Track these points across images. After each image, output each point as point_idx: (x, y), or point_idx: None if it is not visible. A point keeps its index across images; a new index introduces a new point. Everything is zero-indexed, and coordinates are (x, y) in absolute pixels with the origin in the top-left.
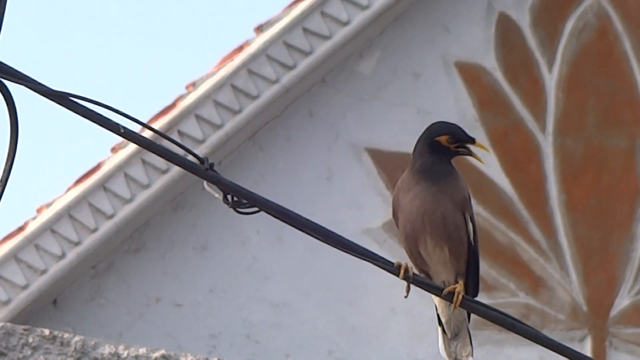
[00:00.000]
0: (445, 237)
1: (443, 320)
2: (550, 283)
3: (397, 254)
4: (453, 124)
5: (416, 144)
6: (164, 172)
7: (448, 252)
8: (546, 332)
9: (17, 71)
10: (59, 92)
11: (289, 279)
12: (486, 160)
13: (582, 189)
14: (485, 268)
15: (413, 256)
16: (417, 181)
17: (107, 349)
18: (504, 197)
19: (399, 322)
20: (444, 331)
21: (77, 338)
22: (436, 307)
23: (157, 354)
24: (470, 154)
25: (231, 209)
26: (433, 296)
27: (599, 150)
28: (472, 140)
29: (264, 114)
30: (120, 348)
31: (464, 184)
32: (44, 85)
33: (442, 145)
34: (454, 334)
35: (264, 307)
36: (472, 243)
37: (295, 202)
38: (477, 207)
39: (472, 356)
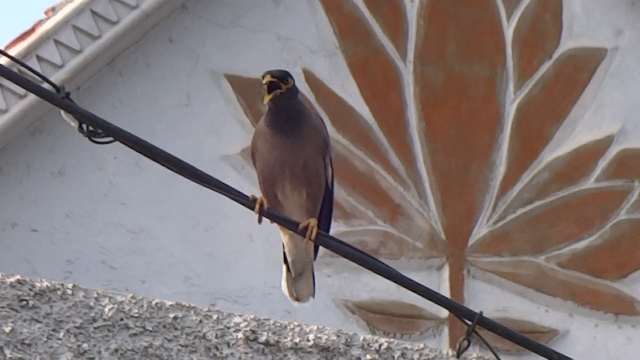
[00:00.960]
0: (305, 183)
1: (289, 259)
2: (408, 211)
3: (255, 181)
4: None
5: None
6: (22, 97)
7: (306, 196)
8: (404, 260)
9: None
10: None
11: (146, 205)
12: (346, 88)
13: (442, 117)
14: (344, 195)
15: (268, 197)
16: (272, 134)
17: None
18: (363, 125)
19: (256, 249)
20: (288, 270)
21: None
22: (283, 246)
23: (12, 279)
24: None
25: (86, 138)
26: (282, 234)
27: (459, 78)
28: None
29: (123, 40)
30: None
31: (320, 122)
32: None
33: (266, 89)
34: (298, 274)
35: (120, 233)
36: (330, 186)
37: (154, 129)
38: (336, 135)
39: (314, 297)
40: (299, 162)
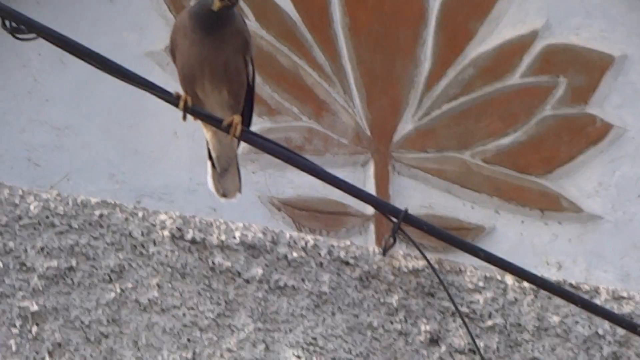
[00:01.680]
0: (226, 81)
1: (214, 155)
2: (333, 107)
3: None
4: None
5: None
6: None
7: (227, 94)
8: (329, 156)
9: None
10: None
11: (70, 101)
12: None
13: (366, 13)
14: (269, 92)
15: (189, 93)
16: (192, 29)
17: None
18: (287, 20)
19: (181, 145)
20: (213, 166)
21: None
22: (207, 142)
23: None
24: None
25: (9, 35)
26: (205, 131)
27: None
28: None
29: None
30: None
31: (243, 23)
32: None
33: None
34: (224, 170)
35: (44, 130)
36: (251, 84)
37: (77, 26)
38: (260, 31)
39: (240, 192)
40: (218, 61)
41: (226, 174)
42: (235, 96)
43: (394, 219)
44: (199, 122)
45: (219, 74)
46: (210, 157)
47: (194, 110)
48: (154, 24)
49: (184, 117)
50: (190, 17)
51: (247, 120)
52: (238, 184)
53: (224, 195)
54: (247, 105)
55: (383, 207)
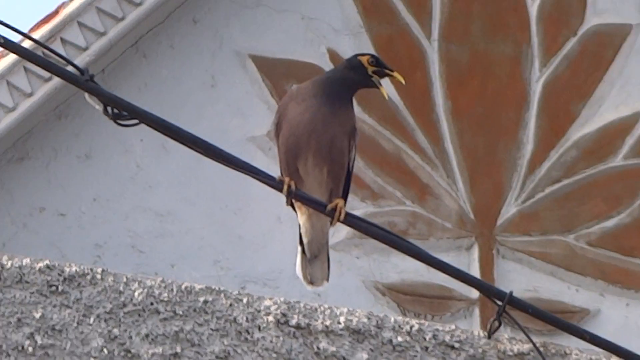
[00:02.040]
0: (329, 159)
1: (305, 240)
2: (437, 191)
3: None
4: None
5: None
6: (47, 80)
7: (327, 174)
8: (433, 240)
9: None
10: None
11: (173, 187)
12: None
13: (468, 96)
14: (371, 176)
15: (289, 170)
16: (314, 94)
17: None
18: (389, 105)
19: (284, 231)
20: (303, 252)
21: None
22: (300, 226)
23: (41, 264)
24: (379, 84)
25: (112, 121)
26: (299, 214)
27: (484, 56)
28: (391, 70)
29: (147, 21)
30: (4, 258)
31: (354, 115)
32: None
33: (361, 64)
34: (314, 256)
35: (148, 217)
36: (350, 169)
37: (179, 111)
38: (362, 115)
39: (328, 280)
40: (326, 136)
41: (316, 260)
42: (335, 178)
43: (499, 302)
44: None
45: (324, 149)
46: (301, 242)
47: (297, 194)
48: (256, 109)
49: (288, 202)
50: (315, 83)
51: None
52: (327, 272)
53: (311, 282)
54: (345, 191)
55: (488, 290)
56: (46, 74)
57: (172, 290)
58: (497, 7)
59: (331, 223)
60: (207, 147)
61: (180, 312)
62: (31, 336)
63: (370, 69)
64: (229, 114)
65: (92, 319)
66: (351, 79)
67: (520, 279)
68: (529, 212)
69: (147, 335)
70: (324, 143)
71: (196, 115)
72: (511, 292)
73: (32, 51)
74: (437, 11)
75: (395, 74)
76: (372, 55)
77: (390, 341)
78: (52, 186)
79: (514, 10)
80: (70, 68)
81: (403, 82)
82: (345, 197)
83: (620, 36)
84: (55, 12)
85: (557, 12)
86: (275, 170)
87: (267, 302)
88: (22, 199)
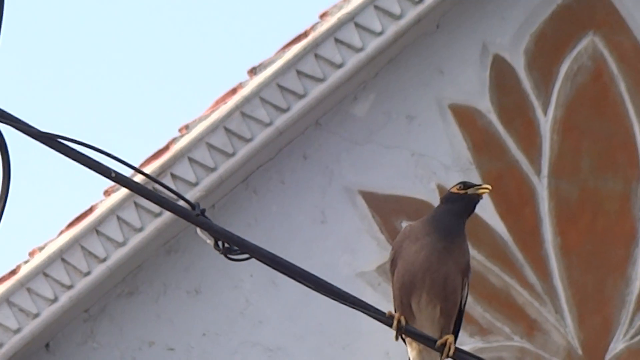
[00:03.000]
0: (442, 297)
1: None
2: (545, 326)
3: (392, 298)
4: None
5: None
6: (157, 215)
7: (439, 312)
8: None
9: (6, 112)
10: (47, 134)
11: (283, 323)
12: (481, 204)
13: (577, 233)
14: (480, 311)
15: (402, 306)
16: (427, 232)
17: None
18: (498, 240)
19: None
20: None
21: None
22: None
23: None
24: (477, 192)
25: (222, 255)
26: (409, 350)
27: (594, 193)
28: (480, 185)
29: (257, 157)
30: None
31: (468, 248)
32: (32, 127)
33: (455, 194)
34: None
35: (257, 352)
36: (462, 307)
37: (289, 246)
38: (472, 251)
39: None
40: (441, 273)
41: None
42: (447, 315)
43: None
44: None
45: (438, 287)
46: None
47: (407, 329)
48: (366, 245)
49: (397, 337)
50: (426, 222)
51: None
52: None
53: None
54: (455, 328)
55: None
56: (156, 209)
57: None
58: (606, 143)
59: (441, 358)
60: (316, 282)
61: None
62: None
63: (463, 193)
64: (338, 250)
65: None
66: (456, 209)
67: None
68: (638, 348)
69: None
70: (439, 281)
71: (305, 251)
72: None
73: (144, 185)
74: (546, 148)
75: (484, 185)
76: (458, 183)
77: None
78: (162, 320)
79: (624, 146)
80: (181, 203)
81: (489, 188)
82: (456, 334)
83: None
84: (166, 148)
85: None
86: (384, 306)
87: None
88: (131, 333)
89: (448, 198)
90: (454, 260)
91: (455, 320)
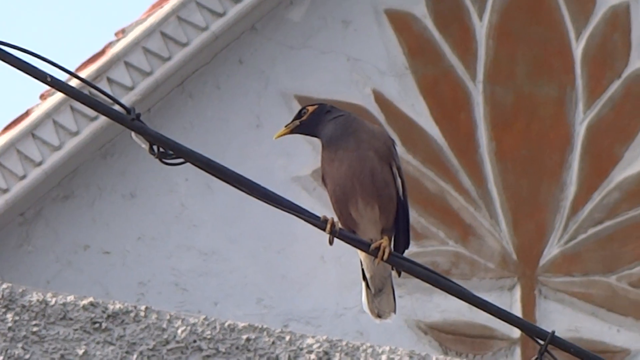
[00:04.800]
0: (376, 195)
1: (367, 275)
2: (479, 231)
3: (327, 202)
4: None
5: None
6: (93, 119)
7: (378, 210)
8: (476, 280)
9: None
10: None
11: (217, 226)
12: (416, 109)
13: (512, 138)
14: (415, 216)
15: (343, 217)
16: (333, 150)
17: (34, 297)
18: (433, 145)
19: (328, 270)
20: (367, 286)
21: (4, 285)
22: (361, 262)
23: (85, 302)
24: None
25: (157, 160)
26: (359, 252)
27: (529, 99)
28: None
29: (193, 62)
30: (48, 295)
31: (381, 130)
32: None
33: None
34: (378, 290)
35: (192, 255)
36: (402, 197)
37: (224, 150)
38: (406, 156)
39: (395, 312)
40: (365, 171)
41: (381, 294)
42: (386, 212)
43: (541, 341)
44: (346, 246)
45: (368, 186)
46: (365, 278)
47: (341, 233)
48: (301, 149)
49: (331, 241)
50: (326, 142)
51: (404, 239)
52: (393, 305)
53: (379, 315)
54: (402, 223)
55: (530, 330)
56: (92, 113)
57: (214, 328)
58: (542, 49)
59: (375, 262)
60: (252, 187)
61: (223, 350)
62: None
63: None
64: (273, 155)
65: (135, 356)
66: (336, 119)
67: (562, 319)
68: (572, 253)
69: None
70: (367, 181)
71: (241, 155)
72: (553, 332)
73: (79, 90)
74: (482, 53)
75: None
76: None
77: None
78: (97, 224)
79: (559, 52)
80: (117, 107)
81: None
82: (406, 228)
83: None
84: (102, 52)
85: (602, 55)
86: (319, 211)
87: (310, 341)
88: (66, 236)
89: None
90: (370, 149)
91: (401, 216)
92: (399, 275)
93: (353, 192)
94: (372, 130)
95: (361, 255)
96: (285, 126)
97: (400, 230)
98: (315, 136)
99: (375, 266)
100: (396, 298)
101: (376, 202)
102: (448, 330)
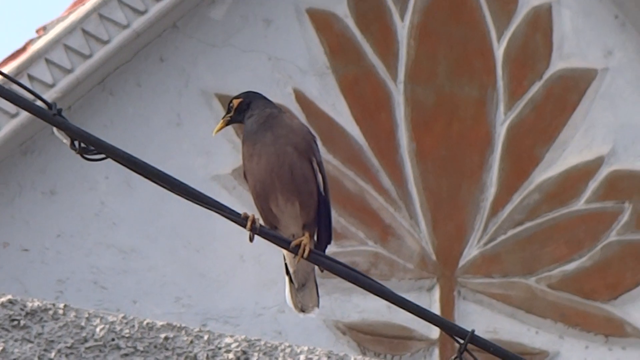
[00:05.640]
0: (296, 191)
1: (290, 270)
2: (399, 232)
3: (247, 201)
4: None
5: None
6: (13, 116)
7: (299, 206)
8: (394, 281)
9: None
10: None
11: (137, 224)
12: (337, 108)
13: (433, 138)
14: (335, 216)
15: (264, 213)
16: (252, 145)
17: None
18: (354, 145)
19: (247, 269)
20: (291, 281)
21: None
22: (284, 257)
23: (3, 299)
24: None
25: (78, 155)
26: (283, 249)
27: (449, 99)
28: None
29: (114, 59)
30: None
31: (300, 125)
32: None
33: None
34: (301, 285)
35: (111, 253)
36: (323, 193)
37: (145, 148)
38: (327, 155)
39: (318, 307)
40: (284, 167)
41: (304, 288)
42: (307, 208)
43: (460, 340)
44: (265, 246)
45: (288, 182)
46: (288, 272)
47: (262, 231)
48: (221, 148)
49: (251, 239)
50: (245, 138)
51: (326, 235)
52: (316, 299)
53: (302, 310)
54: (323, 219)
55: (449, 328)
56: (12, 110)
57: (133, 326)
58: (463, 50)
59: (296, 260)
60: (172, 183)
61: (141, 348)
62: None
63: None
64: (194, 153)
65: (53, 354)
66: (256, 113)
67: (481, 320)
68: (491, 254)
69: None
70: (286, 176)
71: (161, 153)
72: (473, 331)
73: (1, 85)
74: (403, 53)
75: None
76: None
77: None
78: (16, 221)
79: (480, 53)
80: (38, 103)
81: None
82: (328, 224)
83: (585, 81)
84: (23, 49)
85: (523, 56)
86: (239, 209)
87: (228, 340)
88: None
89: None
90: (289, 144)
91: (323, 212)
92: (322, 270)
93: (273, 188)
94: (290, 125)
95: (284, 250)
96: (222, 119)
97: (322, 226)
98: None
99: (296, 262)
100: (319, 292)
101: (296, 198)
102: (366, 330)
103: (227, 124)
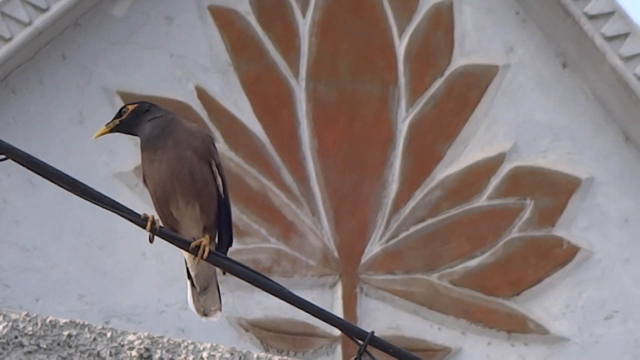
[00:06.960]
0: (196, 194)
1: (192, 274)
2: (301, 229)
3: (149, 199)
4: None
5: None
6: None
7: (199, 209)
8: (297, 278)
9: None
10: None
11: (40, 222)
12: (239, 105)
13: (335, 135)
14: (237, 213)
15: (164, 216)
16: (152, 151)
17: None
18: (256, 142)
19: (150, 267)
20: (192, 285)
21: None
22: (185, 261)
23: None
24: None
25: None
26: (183, 251)
27: (351, 96)
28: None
29: (16, 57)
30: None
31: (199, 129)
32: None
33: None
34: (203, 288)
35: (14, 251)
36: (222, 195)
37: (47, 146)
38: (228, 152)
39: (221, 311)
40: (184, 171)
41: (206, 292)
42: (207, 210)
43: (360, 342)
44: (167, 244)
45: (188, 186)
46: (189, 276)
47: (162, 232)
48: (123, 145)
49: (151, 239)
50: (144, 144)
51: (227, 237)
52: (219, 303)
53: (205, 314)
54: (224, 220)
55: (349, 330)
56: None
57: (36, 324)
58: (364, 46)
59: (196, 261)
60: (72, 183)
61: (44, 346)
62: None
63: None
64: (96, 151)
65: None
66: (151, 120)
67: (383, 317)
68: (393, 251)
69: None
70: (186, 180)
71: (64, 151)
72: (372, 332)
73: None
74: (304, 50)
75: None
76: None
77: None
78: None
79: (382, 50)
80: None
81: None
82: (229, 226)
83: (486, 77)
84: None
85: (425, 53)
86: (140, 207)
87: (131, 337)
88: None
89: (139, 111)
90: (189, 149)
91: (223, 214)
92: (224, 273)
93: (173, 192)
94: (190, 129)
95: (184, 254)
96: (106, 125)
97: (223, 228)
98: (136, 135)
99: (198, 265)
100: (221, 295)
101: (196, 201)
102: (269, 327)
103: (112, 130)
